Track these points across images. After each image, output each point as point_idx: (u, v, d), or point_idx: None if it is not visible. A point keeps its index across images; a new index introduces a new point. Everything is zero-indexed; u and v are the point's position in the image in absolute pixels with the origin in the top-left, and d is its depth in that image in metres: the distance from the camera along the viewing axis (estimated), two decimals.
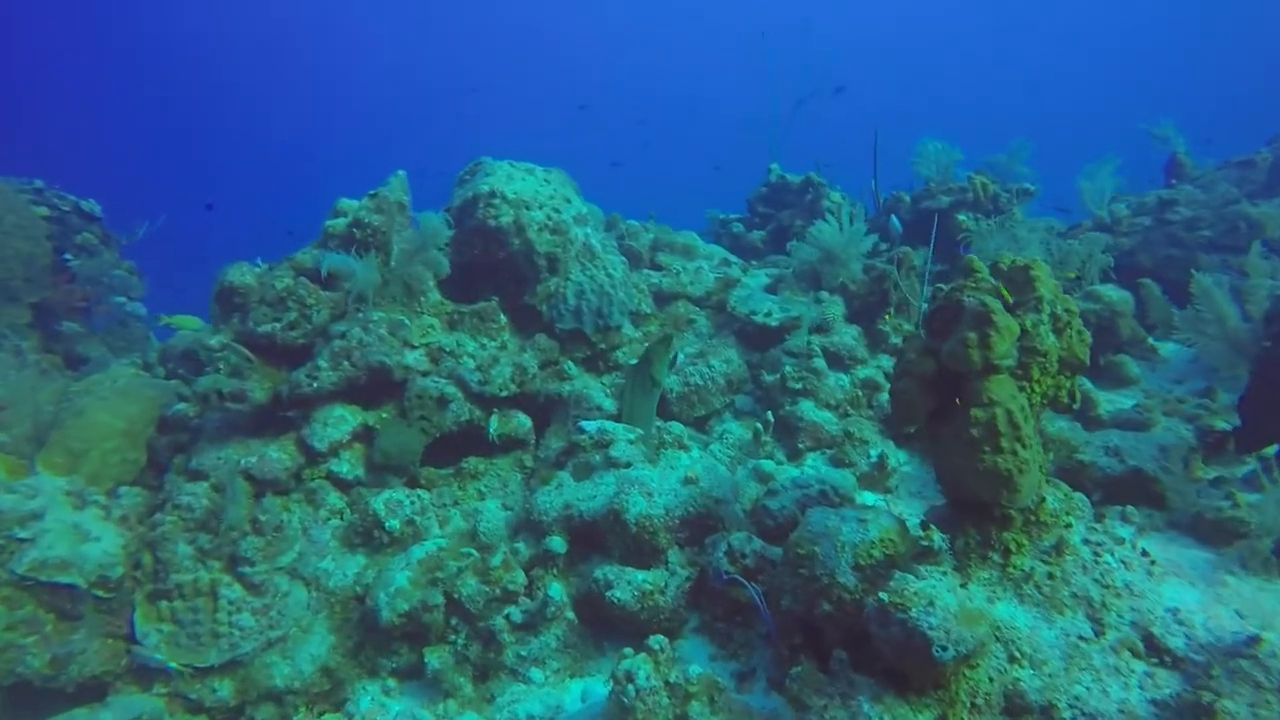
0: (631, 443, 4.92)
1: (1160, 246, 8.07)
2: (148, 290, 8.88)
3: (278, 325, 4.81)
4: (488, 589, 4.22)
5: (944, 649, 3.05)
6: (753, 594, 3.91)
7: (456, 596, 4.20)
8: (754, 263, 8.15)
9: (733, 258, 7.77)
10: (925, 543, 3.52)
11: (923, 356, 3.86)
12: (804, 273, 6.67)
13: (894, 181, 9.88)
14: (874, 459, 5.51)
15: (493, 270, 5.99)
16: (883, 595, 3.32)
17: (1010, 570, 3.67)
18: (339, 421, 4.83)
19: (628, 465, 4.72)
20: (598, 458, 4.86)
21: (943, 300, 3.99)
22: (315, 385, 4.76)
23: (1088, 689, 3.17)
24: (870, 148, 9.69)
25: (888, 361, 6.34)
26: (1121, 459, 4.59)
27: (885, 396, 5.96)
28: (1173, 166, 9.21)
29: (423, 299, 5.64)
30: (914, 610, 3.19)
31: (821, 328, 6.15)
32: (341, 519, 4.73)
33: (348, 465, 4.85)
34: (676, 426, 4.89)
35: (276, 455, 4.61)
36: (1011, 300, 3.75)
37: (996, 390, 3.54)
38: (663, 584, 4.20)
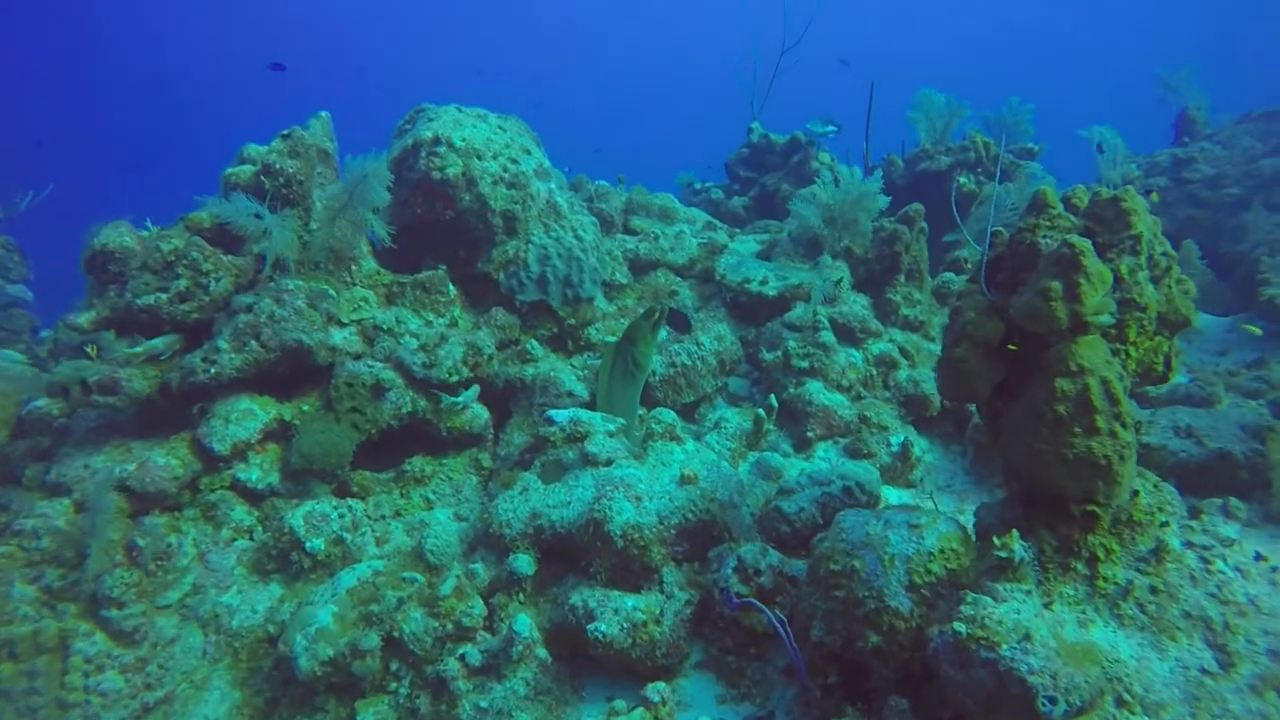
0: (612, 435, 4.13)
1: (1180, 207, 7.54)
2: (35, 272, 7.80)
3: (163, 296, 3.88)
4: (437, 624, 3.43)
5: (1053, 700, 2.33)
6: (773, 621, 3.17)
7: (397, 635, 3.40)
8: (738, 230, 7.38)
9: (718, 222, 7.00)
10: (1002, 553, 2.78)
11: (985, 316, 3.15)
12: (801, 236, 5.92)
13: (884, 145, 9.23)
14: (895, 448, 4.80)
15: (439, 233, 5.13)
16: (959, 626, 2.59)
17: (1101, 584, 2.97)
18: (245, 417, 3.94)
19: (608, 463, 3.94)
20: (571, 454, 4.06)
21: (1008, 244, 3.27)
22: (213, 371, 3.86)
23: None
24: (863, 105, 9.02)
25: (901, 336, 5.64)
26: (1199, 441, 3.94)
27: (903, 374, 5.26)
28: (1183, 123, 8.69)
29: (354, 267, 4.75)
30: (1005, 647, 2.47)
31: (828, 297, 5.41)
32: (251, 539, 3.86)
33: (258, 471, 3.97)
34: (667, 414, 4.11)
35: (163, 461, 3.70)
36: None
37: (1086, 355, 2.83)
38: (658, 611, 3.45)
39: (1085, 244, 2.79)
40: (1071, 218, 3.11)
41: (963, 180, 8.15)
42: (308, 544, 3.70)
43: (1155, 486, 3.25)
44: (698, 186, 9.28)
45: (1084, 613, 2.90)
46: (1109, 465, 2.74)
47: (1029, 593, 2.79)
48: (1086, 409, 2.76)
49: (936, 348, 5.91)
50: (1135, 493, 3.05)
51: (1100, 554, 2.99)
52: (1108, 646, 2.75)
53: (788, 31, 9.88)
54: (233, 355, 3.89)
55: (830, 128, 8.62)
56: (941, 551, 2.98)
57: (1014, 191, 7.27)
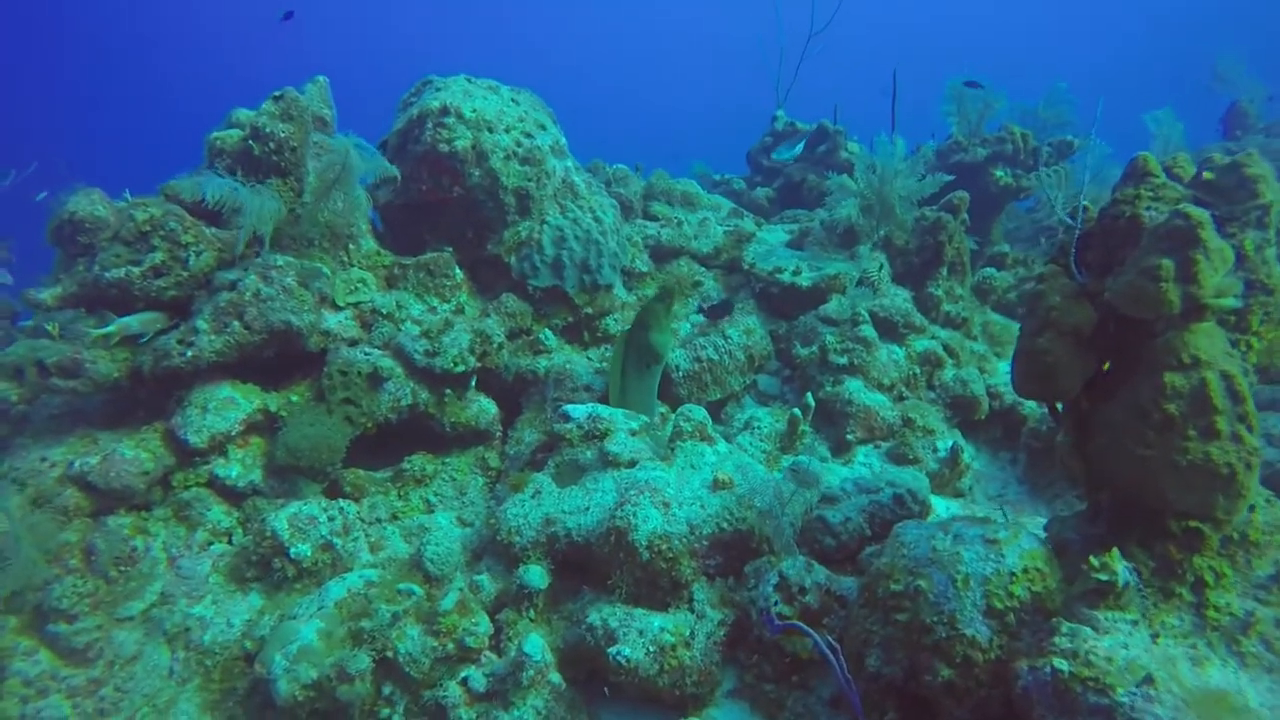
0: (635, 433, 3.75)
1: None
2: (18, 258, 7.44)
3: (135, 270, 3.51)
4: (436, 643, 3.05)
5: None
6: (824, 650, 2.78)
7: (390, 655, 3.02)
8: (763, 221, 6.99)
9: (744, 210, 6.61)
10: (1101, 575, 2.38)
11: (1073, 301, 2.75)
12: (836, 224, 5.53)
13: (912, 134, 8.80)
14: (943, 453, 4.41)
15: (445, 211, 4.76)
16: (1059, 663, 2.20)
17: (1212, 614, 2.57)
18: (226, 405, 3.56)
19: (631, 464, 3.56)
20: (589, 454, 3.68)
21: (1099, 219, 2.88)
22: (190, 354, 3.48)
23: None
24: (889, 93, 8.62)
25: (945, 333, 5.24)
26: None
27: (949, 374, 4.86)
28: (1233, 116, 8.28)
29: (351, 247, 4.38)
30: (1121, 691, 2.07)
31: (872, 285, 5.02)
32: (229, 543, 3.48)
33: (239, 467, 3.59)
34: (697, 411, 3.72)
35: (131, 454, 3.32)
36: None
37: (1203, 345, 2.44)
38: (688, 632, 3.07)
39: (1203, 214, 2.40)
40: (1178, 187, 2.72)
41: (999, 174, 7.77)
42: (292, 550, 3.32)
43: (1268, 501, 2.85)
44: (716, 178, 8.88)
45: (1195, 648, 2.49)
46: (1232, 475, 2.35)
47: (1135, 624, 2.39)
48: (1204, 408, 2.37)
49: (979, 347, 5.52)
50: (1251, 507, 2.66)
51: (1209, 579, 2.59)
52: (1233, 692, 2.35)
53: (815, 15, 9.49)
54: (213, 337, 3.52)
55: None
56: (1025, 571, 2.58)
57: (1054, 183, 6.87)
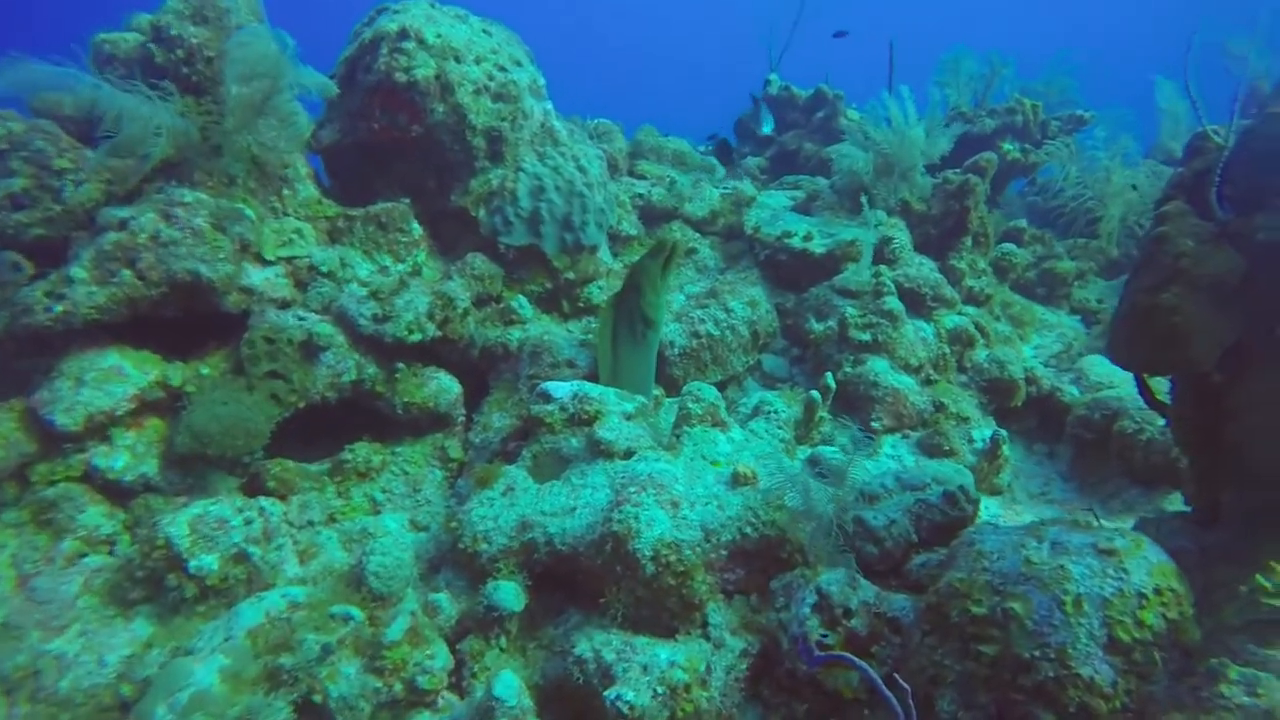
0: (630, 417, 3.09)
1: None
2: None
3: None
4: (380, 683, 2.38)
5: None
6: (883, 689, 2.13)
7: (319, 700, 2.32)
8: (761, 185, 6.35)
9: (742, 173, 5.96)
10: (1275, 601, 1.78)
11: (1211, 245, 2.15)
12: (848, 187, 4.91)
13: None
14: (980, 444, 3.82)
15: (402, 155, 4.03)
16: None
17: None
18: (111, 377, 2.81)
19: (628, 454, 2.90)
20: (575, 442, 3.01)
21: (1243, 141, 2.29)
22: (59, 309, 2.72)
23: None
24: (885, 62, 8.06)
25: (972, 310, 4.66)
26: None
27: (983, 354, 4.27)
28: (1248, 95, 7.85)
29: (285, 191, 3.64)
30: None
31: (886, 256, 4.41)
32: (111, 554, 2.71)
33: (126, 456, 2.84)
34: (708, 390, 3.07)
35: None
36: None
37: None
38: (703, 667, 2.43)
39: None
40: None
41: (1007, 147, 7.24)
42: (192, 563, 2.58)
43: None
44: (702, 149, 8.23)
45: None
46: None
47: None
48: None
49: (1004, 328, 4.96)
50: None
51: None
52: None
53: None
54: (93, 289, 2.75)
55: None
56: (1157, 593, 1.98)
57: (1067, 157, 6.38)
